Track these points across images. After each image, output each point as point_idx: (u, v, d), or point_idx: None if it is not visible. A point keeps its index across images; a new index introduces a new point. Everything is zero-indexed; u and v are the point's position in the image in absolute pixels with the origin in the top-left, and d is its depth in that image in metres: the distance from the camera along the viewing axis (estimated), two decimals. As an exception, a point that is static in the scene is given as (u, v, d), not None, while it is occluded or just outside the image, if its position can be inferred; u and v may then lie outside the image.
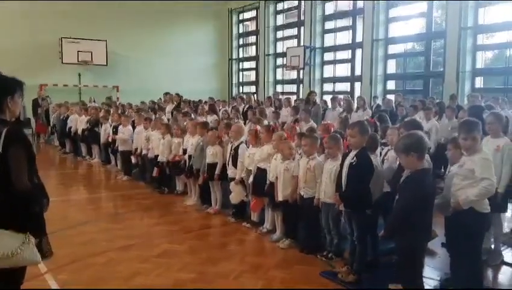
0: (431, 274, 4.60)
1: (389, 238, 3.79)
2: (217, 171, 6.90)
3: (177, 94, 14.31)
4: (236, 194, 6.40)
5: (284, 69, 19.64)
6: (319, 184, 5.09)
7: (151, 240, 5.77)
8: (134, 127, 9.85)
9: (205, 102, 14.17)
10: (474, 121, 3.94)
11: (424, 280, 4.21)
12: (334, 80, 18.31)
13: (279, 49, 20.31)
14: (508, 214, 5.78)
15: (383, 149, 5.36)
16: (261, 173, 6.02)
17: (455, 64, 12.95)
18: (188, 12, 20.68)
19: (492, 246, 4.98)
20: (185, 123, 8.29)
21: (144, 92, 17.43)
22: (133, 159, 9.44)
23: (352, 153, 4.40)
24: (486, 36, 13.77)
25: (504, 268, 4.91)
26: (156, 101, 14.89)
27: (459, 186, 3.83)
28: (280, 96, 14.40)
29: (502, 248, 5.19)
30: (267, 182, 5.85)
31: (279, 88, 20.49)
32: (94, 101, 16.52)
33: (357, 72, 16.50)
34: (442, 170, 7.34)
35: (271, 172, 5.78)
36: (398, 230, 3.58)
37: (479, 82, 13.36)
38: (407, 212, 3.45)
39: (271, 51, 20.52)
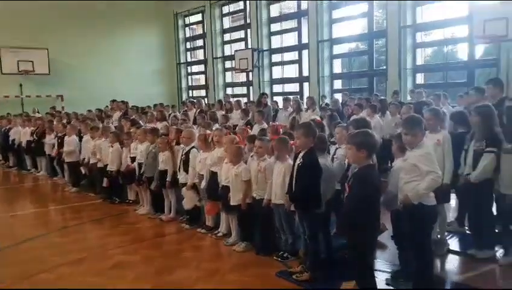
0: (382, 267, 4.73)
1: (341, 235, 3.85)
2: (168, 177, 6.80)
3: (123, 101, 13.97)
4: (188, 200, 6.37)
5: (233, 72, 19.64)
6: (269, 185, 5.12)
7: (104, 252, 5.64)
8: (81, 137, 9.51)
9: (154, 108, 13.94)
10: (417, 117, 4.08)
11: (376, 273, 4.34)
12: (283, 81, 18.58)
13: (228, 52, 20.34)
14: (450, 204, 5.98)
15: (331, 147, 5.42)
16: (214, 177, 6.03)
17: (397, 61, 13.46)
18: (133, 17, 20.39)
19: (438, 236, 5.13)
20: (131, 130, 8.08)
21: (90, 100, 16.97)
22: (82, 170, 9.12)
23: (300, 155, 4.47)
24: (425, 34, 14.33)
25: (450, 256, 5.12)
26: (102, 109, 14.45)
27: (404, 181, 3.94)
28: (230, 99, 14.38)
29: (447, 237, 5.42)
30: (220, 185, 5.84)
31: (229, 91, 20.59)
32: (38, 112, 15.89)
33: (305, 72, 16.81)
34: (389, 165, 7.57)
35: (223, 175, 5.78)
36: (349, 226, 3.66)
37: (420, 78, 13.94)
38: (356, 209, 3.54)
39: (219, 54, 20.55)
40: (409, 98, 11.93)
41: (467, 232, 5.55)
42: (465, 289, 4.29)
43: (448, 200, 5.26)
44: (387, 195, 4.20)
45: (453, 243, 5.42)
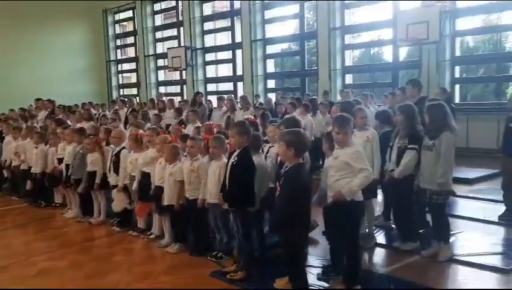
0: (314, 262, 4.83)
1: (273, 233, 3.90)
2: (97, 179, 6.59)
3: (49, 100, 13.32)
4: (118, 202, 6.20)
5: (166, 70, 19.38)
6: (203, 185, 5.09)
7: (29, 259, 5.37)
8: (2, 138, 8.96)
9: (83, 107, 13.41)
10: (347, 116, 4.22)
11: (308, 269, 4.47)
12: (217, 80, 18.56)
13: (160, 50, 19.97)
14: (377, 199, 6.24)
15: (265, 146, 5.46)
16: (146, 178, 5.90)
17: (327, 62, 13.86)
18: (59, 13, 19.40)
19: (366, 230, 5.33)
20: (57, 131, 7.74)
21: (13, 99, 15.97)
22: (4, 173, 8.60)
23: (235, 153, 4.49)
24: (353, 36, 14.90)
25: (377, 249, 5.32)
26: (26, 108, 13.70)
27: (335, 178, 4.05)
28: (163, 98, 14.14)
29: (374, 231, 5.64)
30: (153, 186, 5.74)
31: (162, 90, 20.21)
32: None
33: (239, 72, 16.87)
34: (320, 162, 7.77)
35: (156, 176, 5.69)
36: (281, 224, 3.72)
37: (349, 79, 14.41)
38: (287, 206, 3.60)
39: (151, 52, 20.14)
40: (339, 97, 12.34)
41: (392, 226, 5.77)
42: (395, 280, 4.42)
43: (375, 195, 5.48)
44: (320, 192, 4.31)
45: (380, 237, 5.63)
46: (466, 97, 13.46)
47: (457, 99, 12.16)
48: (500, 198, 6.32)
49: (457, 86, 12.37)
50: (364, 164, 3.96)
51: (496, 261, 4.76)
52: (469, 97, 14.18)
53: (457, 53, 12.22)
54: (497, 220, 6.08)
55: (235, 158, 4.44)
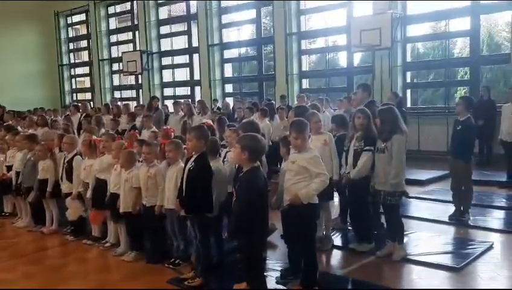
0: (273, 266, 4.85)
1: (232, 239, 3.89)
2: (49, 187, 6.41)
3: (-1, 105, 12.83)
4: (73, 210, 6.03)
5: (121, 74, 19.03)
6: (161, 191, 5.04)
7: (-25, 272, 5.04)
8: None
9: (34, 112, 12.97)
10: (304, 121, 4.27)
11: (267, 273, 4.49)
12: (174, 84, 18.36)
13: (115, 54, 19.60)
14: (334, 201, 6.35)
15: (222, 151, 5.47)
16: (101, 185, 5.78)
17: (284, 67, 13.99)
18: (7, 14, 18.68)
19: (324, 233, 5.39)
20: (6, 137, 7.45)
21: (-42, 104, 15.26)
22: None
23: (192, 158, 4.46)
24: (309, 42, 15.24)
25: (335, 251, 5.42)
26: (-27, 114, 13.12)
27: (292, 182, 4.09)
28: (118, 103, 13.86)
29: (332, 233, 5.73)
30: (108, 193, 5.61)
31: (117, 94, 19.80)
32: None
33: (196, 76, 16.80)
34: (279, 166, 7.82)
35: (112, 183, 5.57)
36: (239, 229, 3.72)
37: (305, 83, 14.64)
38: (244, 211, 3.62)
39: (105, 56, 19.72)
40: (296, 102, 12.47)
41: (349, 228, 5.89)
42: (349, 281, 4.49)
43: (332, 197, 5.58)
44: (277, 195, 4.36)
45: (337, 239, 5.73)
46: (417, 101, 13.98)
47: (408, 104, 12.52)
48: (450, 198, 6.56)
49: (408, 91, 12.76)
50: (322, 169, 4.02)
51: (448, 260, 4.93)
52: (420, 101, 14.91)
53: (409, 59, 12.59)
54: (447, 220, 6.34)
55: (192, 163, 4.40)
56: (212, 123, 7.09)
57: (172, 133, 6.51)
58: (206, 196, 4.38)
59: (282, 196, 4.25)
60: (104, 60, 19.75)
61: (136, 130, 8.26)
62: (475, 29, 11.19)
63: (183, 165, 4.65)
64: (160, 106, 12.66)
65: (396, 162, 4.84)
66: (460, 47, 16.69)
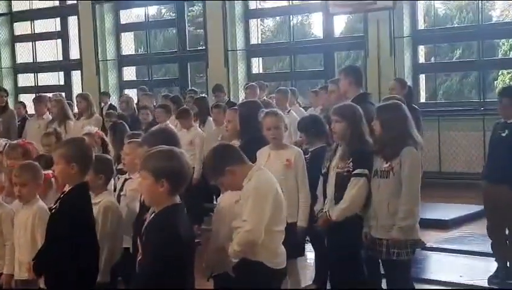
0: None
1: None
2: None
3: None
4: None
5: None
6: (8, 250, 4.32)
7: None
8: None
9: None
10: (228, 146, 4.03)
11: None
12: (36, 67, 16.34)
13: None
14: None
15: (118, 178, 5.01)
16: None
17: (221, 39, 12.38)
18: None
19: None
20: None
21: None
22: None
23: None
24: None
25: None
26: None
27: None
28: None
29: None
30: None
31: None
32: None
33: (74, 54, 15.27)
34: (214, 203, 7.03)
35: None
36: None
37: (256, 65, 13.28)
38: (156, 277, 3.01)
39: None
40: (242, 96, 11.30)
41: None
42: None
43: (302, 253, 5.07)
44: (210, 255, 3.95)
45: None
46: (436, 93, 12.87)
47: (422, 97, 11.70)
48: (489, 249, 5.92)
49: (421, 77, 11.76)
50: (249, 213, 3.56)
51: None
52: (440, 93, 13.98)
53: (421, 25, 11.70)
54: (487, 285, 5.66)
55: (58, 203, 3.85)
56: (101, 132, 6.17)
57: (34, 150, 5.50)
58: (76, 257, 3.64)
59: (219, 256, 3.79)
60: None
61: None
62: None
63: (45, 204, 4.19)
64: (11, 105, 11.24)
65: (408, 192, 4.27)
66: (502, 8, 15.81)
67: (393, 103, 4.85)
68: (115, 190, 4.93)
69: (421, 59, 11.66)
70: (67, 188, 3.92)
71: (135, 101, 11.15)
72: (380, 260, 4.63)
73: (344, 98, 5.83)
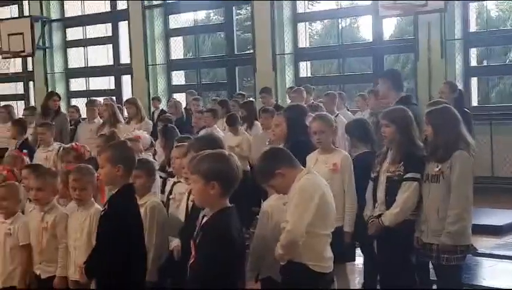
0: None
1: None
2: None
3: None
4: None
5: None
6: (62, 252, 4.40)
7: None
8: None
9: None
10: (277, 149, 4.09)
11: None
12: (87, 72, 16.87)
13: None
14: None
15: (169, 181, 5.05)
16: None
17: (269, 42, 12.52)
18: None
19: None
20: None
21: None
22: None
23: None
24: (311, 2, 14.29)
25: None
26: None
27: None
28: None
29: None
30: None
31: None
32: None
33: (124, 58, 15.69)
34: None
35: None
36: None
37: (304, 69, 13.32)
38: (210, 278, 3.06)
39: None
40: (288, 99, 11.24)
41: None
42: None
43: (352, 258, 5.04)
44: (254, 258, 3.92)
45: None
46: (488, 97, 12.92)
47: (474, 101, 11.50)
48: None
49: (473, 80, 11.60)
50: (291, 213, 3.59)
51: None
52: (493, 97, 13.76)
53: (473, 27, 11.59)
54: None
55: (106, 205, 3.95)
56: (151, 136, 6.64)
57: (87, 153, 5.72)
58: (124, 262, 3.72)
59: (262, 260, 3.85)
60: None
61: (24, 150, 7.33)
62: None
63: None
64: (62, 108, 11.57)
65: (458, 196, 4.25)
66: None
67: (443, 107, 4.77)
68: (163, 193, 5.01)
69: (473, 62, 11.55)
70: (112, 189, 4.01)
71: (183, 105, 11.25)
72: (430, 265, 4.68)
73: (383, 103, 5.87)
